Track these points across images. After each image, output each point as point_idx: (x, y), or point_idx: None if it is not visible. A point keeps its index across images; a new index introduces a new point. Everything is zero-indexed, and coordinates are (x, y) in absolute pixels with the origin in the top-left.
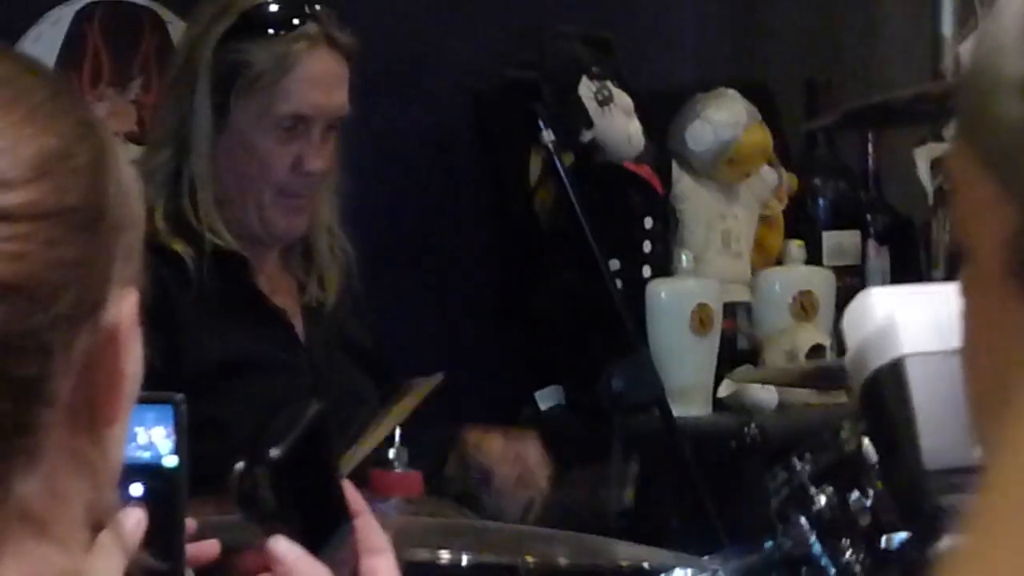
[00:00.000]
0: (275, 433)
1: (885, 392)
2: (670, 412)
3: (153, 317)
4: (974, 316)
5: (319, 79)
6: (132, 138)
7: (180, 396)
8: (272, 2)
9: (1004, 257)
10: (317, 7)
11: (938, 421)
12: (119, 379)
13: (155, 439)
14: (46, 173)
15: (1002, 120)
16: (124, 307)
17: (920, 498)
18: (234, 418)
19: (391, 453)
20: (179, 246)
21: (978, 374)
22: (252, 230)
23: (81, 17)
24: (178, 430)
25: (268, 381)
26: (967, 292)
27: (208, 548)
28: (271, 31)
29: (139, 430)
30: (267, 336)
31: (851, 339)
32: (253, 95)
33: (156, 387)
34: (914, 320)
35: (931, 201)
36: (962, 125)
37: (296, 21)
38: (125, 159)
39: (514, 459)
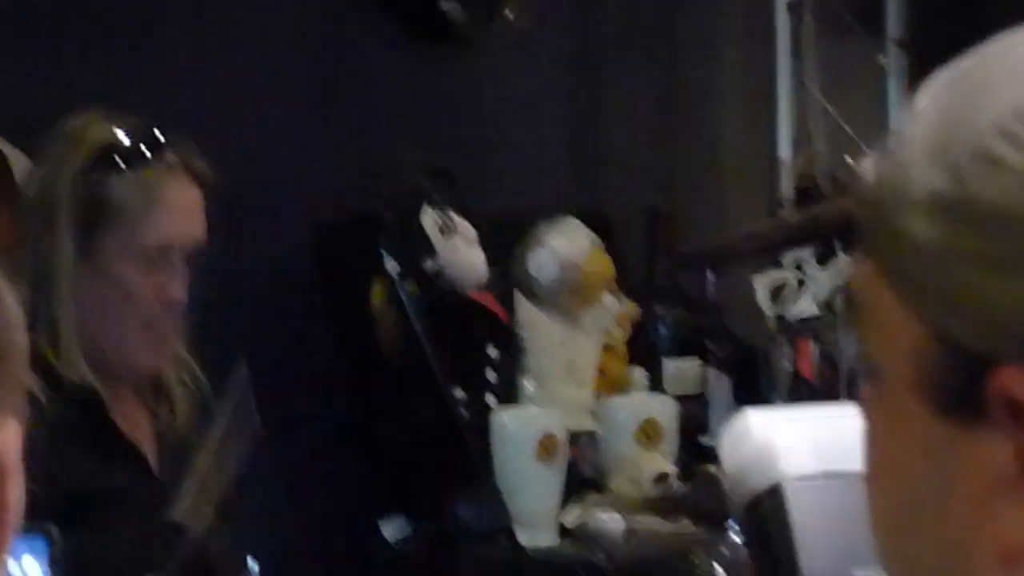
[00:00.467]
0: (154, 563)
1: (765, 516)
2: (517, 541)
3: None
4: (881, 434)
5: (182, 208)
6: None
7: (55, 529)
8: (128, 135)
9: (910, 372)
10: (172, 137)
11: (818, 544)
12: (4, 510)
13: (27, 571)
14: None
15: (907, 238)
16: (7, 437)
17: None
18: (93, 553)
19: None
20: (33, 385)
21: (887, 492)
22: (111, 366)
23: None
24: (51, 562)
25: (123, 515)
26: (873, 409)
27: None
28: (132, 163)
29: (11, 563)
30: (121, 469)
31: (729, 462)
32: (119, 228)
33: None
34: (793, 442)
35: (771, 328)
36: (866, 242)
37: (156, 152)
38: (7, 289)
39: None
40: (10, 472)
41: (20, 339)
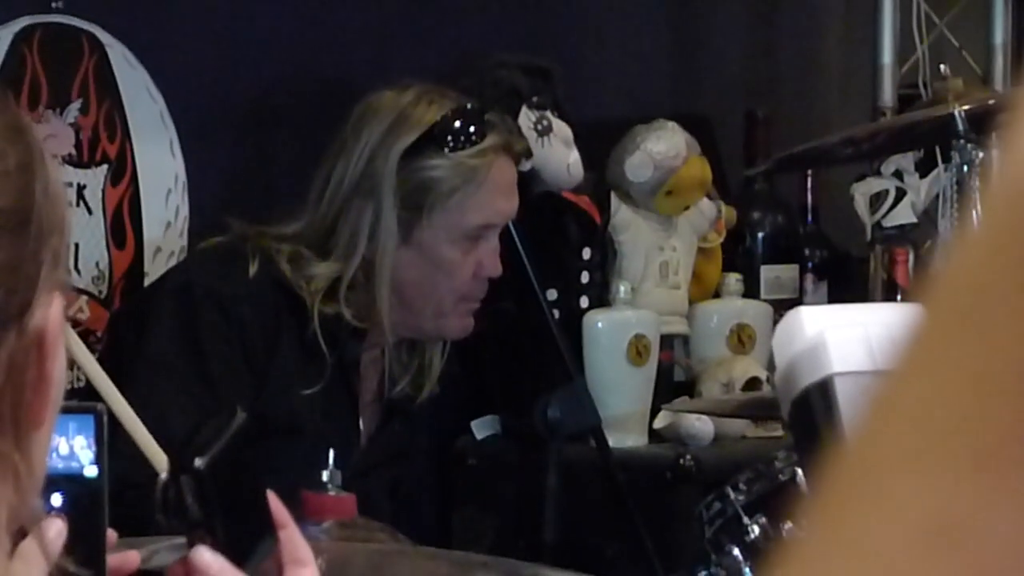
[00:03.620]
0: (201, 443)
1: (813, 410)
2: (606, 442)
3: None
4: None
5: (504, 188)
6: (70, 161)
7: (101, 406)
8: (454, 116)
9: None
10: (494, 116)
11: None
12: (45, 384)
13: (76, 449)
14: None
15: None
16: (51, 312)
17: None
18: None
19: (325, 475)
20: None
21: None
22: (419, 332)
23: (19, 39)
24: (99, 440)
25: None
26: None
27: (130, 559)
28: (460, 146)
29: (60, 440)
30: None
31: (780, 357)
32: (444, 211)
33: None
34: (845, 339)
35: (869, 236)
36: None
37: (481, 134)
38: (54, 165)
39: None
40: (54, 347)
41: (65, 215)
